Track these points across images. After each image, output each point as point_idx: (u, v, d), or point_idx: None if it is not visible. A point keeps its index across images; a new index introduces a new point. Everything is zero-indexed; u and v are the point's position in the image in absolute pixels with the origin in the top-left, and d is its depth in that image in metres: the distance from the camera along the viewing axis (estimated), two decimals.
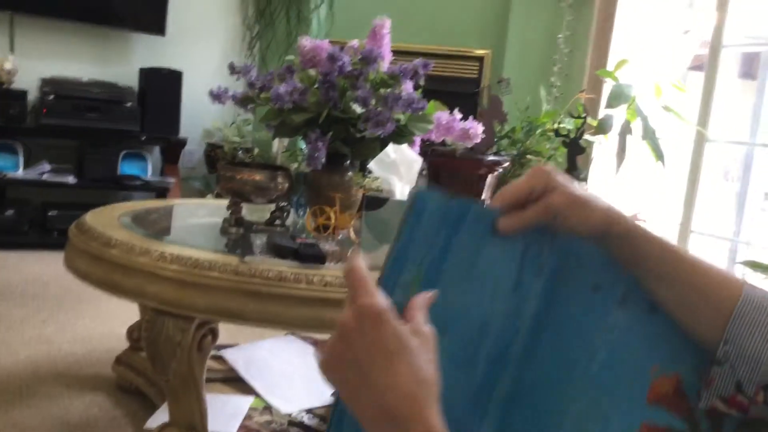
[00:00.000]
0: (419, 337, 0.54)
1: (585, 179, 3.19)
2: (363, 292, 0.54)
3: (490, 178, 3.25)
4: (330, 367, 0.54)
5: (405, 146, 1.48)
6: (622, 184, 3.52)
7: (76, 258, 1.43)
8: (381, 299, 0.54)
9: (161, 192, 3.66)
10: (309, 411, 1.67)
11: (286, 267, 1.29)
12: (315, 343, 2.04)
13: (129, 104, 3.54)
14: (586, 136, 3.25)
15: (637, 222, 0.67)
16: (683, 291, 0.65)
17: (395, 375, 0.50)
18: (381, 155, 1.47)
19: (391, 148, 1.47)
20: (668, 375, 0.67)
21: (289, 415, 1.64)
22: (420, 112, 1.65)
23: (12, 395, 1.82)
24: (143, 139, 3.62)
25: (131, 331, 1.96)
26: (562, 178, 0.66)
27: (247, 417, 1.59)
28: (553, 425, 0.67)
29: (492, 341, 0.65)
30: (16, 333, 2.25)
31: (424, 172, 3.31)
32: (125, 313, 2.56)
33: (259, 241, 1.49)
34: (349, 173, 1.73)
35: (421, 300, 0.59)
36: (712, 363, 0.63)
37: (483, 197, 3.27)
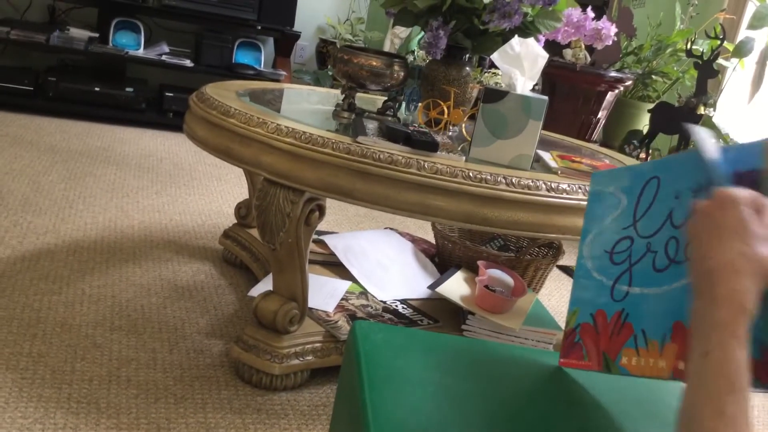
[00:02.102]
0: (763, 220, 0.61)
1: (714, 105, 2.98)
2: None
3: (610, 96, 3.10)
4: (693, 228, 0.65)
5: (531, 40, 1.40)
6: (755, 114, 3.27)
7: (195, 125, 1.47)
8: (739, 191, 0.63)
9: None
10: (403, 301, 1.69)
11: (397, 150, 1.28)
12: (413, 239, 2.04)
13: None
14: (721, 60, 3.02)
15: None
16: None
17: (725, 247, 0.60)
18: (505, 47, 1.40)
19: (516, 41, 1.40)
20: None
21: (384, 302, 1.67)
22: (550, 7, 1.56)
23: (126, 255, 1.94)
24: (259, 28, 3.64)
25: (239, 208, 2.03)
26: None
27: (344, 298, 1.63)
28: None
29: None
30: (132, 201, 2.37)
31: (538, 87, 3.18)
32: (232, 194, 2.65)
33: (371, 125, 1.47)
34: (467, 68, 1.68)
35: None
36: None
37: (599, 116, 3.13)
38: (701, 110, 2.91)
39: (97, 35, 3.43)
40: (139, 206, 2.34)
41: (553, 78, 3.12)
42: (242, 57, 3.73)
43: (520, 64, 1.41)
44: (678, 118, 2.90)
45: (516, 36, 1.45)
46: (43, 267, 1.77)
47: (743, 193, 0.63)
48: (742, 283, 0.58)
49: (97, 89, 3.34)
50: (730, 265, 0.59)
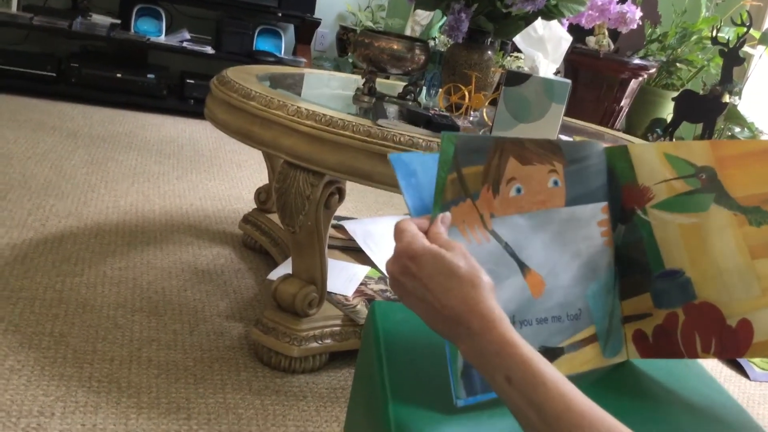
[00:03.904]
0: (450, 249, 0.61)
1: (739, 93, 2.93)
2: (401, 238, 0.63)
3: (633, 83, 3.06)
4: (401, 299, 0.64)
5: (554, 22, 1.39)
6: None
7: (216, 108, 1.47)
8: (413, 237, 0.63)
9: None
10: None
11: (418, 134, 1.27)
12: None
13: None
14: (747, 48, 2.97)
15: None
16: None
17: (446, 289, 0.59)
18: (528, 29, 1.38)
19: (539, 23, 1.38)
20: None
21: None
22: None
23: (147, 238, 1.95)
24: (280, 15, 3.64)
25: (258, 193, 2.03)
26: None
27: (363, 283, 1.63)
28: None
29: None
30: (153, 185, 2.39)
31: (560, 73, 3.15)
32: (252, 179, 2.66)
33: (392, 109, 1.47)
34: (489, 52, 1.66)
35: (440, 220, 0.67)
36: None
37: (622, 104, 3.09)
38: (726, 98, 2.86)
39: (119, 22, 3.45)
40: (160, 191, 2.35)
41: (576, 65, 3.09)
42: (263, 44, 3.73)
43: (543, 46, 1.39)
44: (703, 106, 2.86)
45: (540, 18, 1.43)
46: (65, 249, 1.79)
47: (399, 252, 0.63)
48: (480, 306, 0.59)
49: (118, 75, 3.36)
50: (462, 302, 0.59)
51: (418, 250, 0.61)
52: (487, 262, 0.70)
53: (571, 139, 1.56)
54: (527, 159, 0.73)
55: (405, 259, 0.62)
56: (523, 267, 0.72)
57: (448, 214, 0.67)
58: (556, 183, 0.74)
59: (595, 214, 0.77)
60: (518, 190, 0.72)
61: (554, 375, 0.55)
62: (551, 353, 0.75)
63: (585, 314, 0.76)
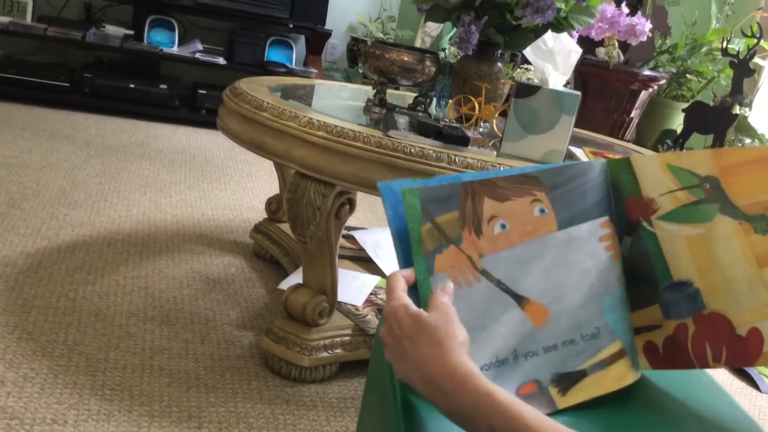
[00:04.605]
0: (433, 309, 0.64)
1: (749, 105, 2.93)
2: (389, 298, 0.66)
3: (643, 95, 3.06)
4: (391, 363, 0.66)
5: (564, 35, 1.40)
6: None
7: (229, 119, 1.49)
8: (397, 300, 0.65)
9: None
10: None
11: (428, 145, 1.28)
12: None
13: None
14: (757, 59, 2.97)
15: None
16: None
17: (418, 351, 0.62)
18: (538, 42, 1.39)
19: (549, 36, 1.39)
20: None
21: None
22: (584, 2, 1.55)
23: (159, 248, 1.97)
24: (291, 26, 3.67)
25: (269, 203, 2.05)
26: None
27: (373, 293, 1.64)
28: None
29: None
30: (165, 195, 2.41)
31: (570, 85, 3.15)
32: (263, 189, 2.68)
33: (402, 120, 1.48)
34: (499, 64, 1.67)
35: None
36: None
37: (632, 115, 3.09)
38: (736, 110, 2.86)
39: (132, 33, 3.48)
40: (172, 201, 2.37)
41: (586, 76, 3.09)
42: (274, 55, 3.76)
43: (553, 59, 1.40)
44: (713, 117, 2.86)
45: (549, 31, 1.44)
46: (78, 258, 1.81)
47: (386, 314, 0.66)
48: (449, 365, 0.61)
49: (131, 86, 3.39)
50: (432, 362, 0.61)
51: (399, 312, 0.64)
52: (479, 302, 0.70)
53: (581, 151, 1.57)
54: (503, 196, 0.72)
55: (391, 321, 0.65)
56: (520, 299, 0.72)
57: (450, 284, 0.69)
58: (542, 211, 0.74)
59: (594, 230, 0.76)
60: (503, 226, 0.72)
61: (535, 414, 0.56)
62: (571, 378, 0.74)
63: (605, 331, 0.76)
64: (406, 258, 0.70)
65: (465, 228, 0.70)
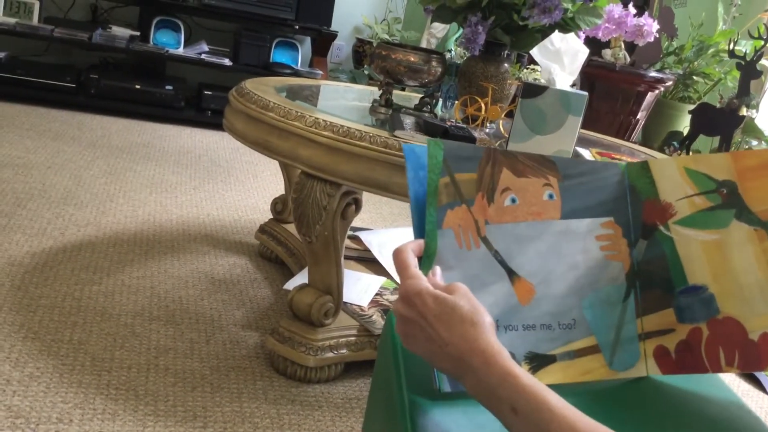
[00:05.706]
0: (453, 292, 0.64)
1: (756, 107, 2.92)
2: (405, 275, 0.66)
3: (649, 96, 3.05)
4: (406, 340, 0.66)
5: (571, 35, 1.39)
6: None
7: (235, 119, 1.49)
8: (417, 279, 0.65)
9: None
10: None
11: None
12: None
13: None
14: (764, 61, 2.96)
15: None
16: None
17: (449, 328, 0.62)
18: (545, 42, 1.38)
19: (556, 36, 1.39)
20: None
21: None
22: (591, 3, 1.55)
23: (164, 248, 1.97)
24: (296, 28, 3.67)
25: (275, 204, 2.04)
26: None
27: (378, 294, 1.63)
28: None
29: None
30: (170, 196, 2.41)
31: (576, 86, 3.14)
32: (268, 190, 2.68)
33: (408, 120, 1.48)
34: (506, 64, 1.67)
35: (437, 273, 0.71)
36: None
37: (638, 117, 3.08)
38: (743, 111, 2.85)
39: (138, 34, 3.49)
40: (178, 201, 2.37)
41: (592, 78, 3.09)
42: (280, 56, 3.77)
43: (560, 59, 1.39)
44: (720, 119, 2.85)
45: (557, 31, 1.43)
46: (84, 258, 1.81)
47: (405, 293, 0.65)
48: (479, 342, 0.61)
49: (137, 87, 3.40)
50: (463, 340, 0.62)
51: (423, 292, 0.64)
52: (474, 267, 0.72)
53: (588, 152, 1.56)
54: (521, 171, 0.75)
55: (414, 300, 0.65)
56: (512, 274, 0.74)
57: (437, 268, 0.70)
58: (551, 196, 0.76)
59: (592, 228, 0.78)
60: (513, 200, 0.75)
61: (557, 400, 0.57)
62: (541, 359, 0.76)
63: (581, 325, 0.77)
64: (420, 221, 0.72)
65: (479, 192, 0.73)
